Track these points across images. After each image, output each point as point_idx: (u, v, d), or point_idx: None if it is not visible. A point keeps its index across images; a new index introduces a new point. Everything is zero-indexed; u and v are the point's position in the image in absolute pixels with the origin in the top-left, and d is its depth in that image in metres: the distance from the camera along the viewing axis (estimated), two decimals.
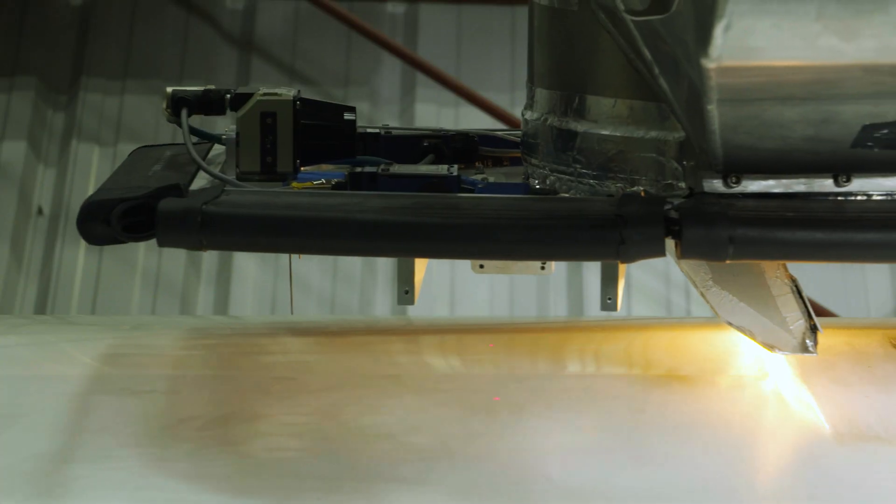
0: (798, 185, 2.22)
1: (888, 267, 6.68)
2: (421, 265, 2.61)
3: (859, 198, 2.24)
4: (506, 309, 6.85)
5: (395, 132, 2.70)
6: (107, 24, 7.18)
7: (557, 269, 6.99)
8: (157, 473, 2.17)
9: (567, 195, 2.42)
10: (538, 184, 2.47)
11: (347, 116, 2.60)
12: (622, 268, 2.64)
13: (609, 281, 2.63)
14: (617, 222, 2.13)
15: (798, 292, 2.36)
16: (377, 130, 2.69)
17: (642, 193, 2.31)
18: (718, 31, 1.83)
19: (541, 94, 2.48)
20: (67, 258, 6.71)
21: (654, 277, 6.90)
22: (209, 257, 6.62)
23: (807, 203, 2.22)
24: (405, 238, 2.19)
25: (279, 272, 6.74)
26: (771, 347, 2.38)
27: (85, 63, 7.10)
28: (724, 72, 1.93)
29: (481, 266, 2.49)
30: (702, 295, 2.35)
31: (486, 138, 2.73)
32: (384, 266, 6.89)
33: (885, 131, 2.12)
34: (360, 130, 2.68)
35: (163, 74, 7.06)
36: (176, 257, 6.69)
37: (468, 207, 2.25)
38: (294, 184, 2.47)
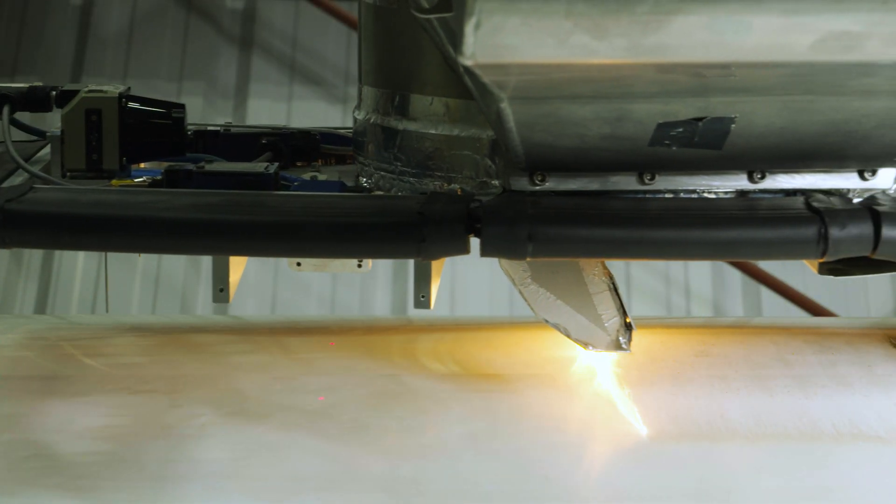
0: (604, 182, 2.21)
1: None
2: (238, 263, 2.59)
3: (667, 195, 2.23)
4: (506, 309, 6.86)
5: (234, 130, 2.70)
6: (107, 24, 7.18)
7: None
8: None
9: (380, 193, 2.40)
10: (366, 182, 2.45)
11: (176, 114, 2.59)
12: (437, 266, 2.60)
13: (422, 279, 2.59)
14: (419, 220, 2.11)
15: (615, 289, 2.35)
16: (217, 128, 2.70)
17: (459, 191, 2.31)
18: (469, 30, 1.79)
19: (367, 92, 2.47)
20: (67, 258, 6.71)
21: (654, 277, 6.90)
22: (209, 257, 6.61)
23: (609, 201, 2.20)
24: (207, 236, 2.17)
25: (279, 272, 6.75)
26: (585, 345, 2.37)
27: (85, 63, 7.10)
28: (487, 70, 1.90)
29: (298, 264, 2.47)
30: (520, 293, 2.33)
31: (328, 136, 2.72)
32: (384, 266, 6.89)
33: (681, 130, 2.10)
34: (200, 128, 2.68)
35: (163, 74, 7.06)
36: (176, 257, 6.69)
37: (274, 205, 2.23)
38: (113, 181, 2.46)
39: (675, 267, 6.89)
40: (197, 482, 2.18)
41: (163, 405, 2.36)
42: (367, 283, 6.88)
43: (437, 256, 2.17)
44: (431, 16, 1.92)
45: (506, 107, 2.03)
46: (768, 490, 2.17)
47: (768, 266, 6.53)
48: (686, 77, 1.95)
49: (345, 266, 2.46)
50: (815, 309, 6.42)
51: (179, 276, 6.73)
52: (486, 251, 2.11)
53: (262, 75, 7.15)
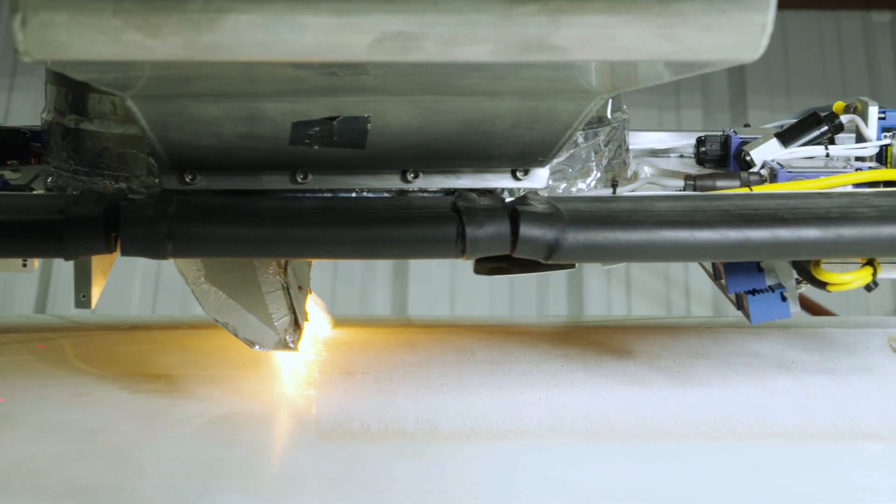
0: (256, 182, 2.18)
1: None
2: None
3: (327, 195, 2.20)
4: (506, 309, 6.86)
5: None
6: None
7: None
8: None
9: (39, 192, 2.38)
10: (49, 181, 2.43)
11: None
12: (99, 265, 2.58)
13: (82, 278, 2.56)
14: (59, 220, 2.06)
15: (287, 289, 2.33)
16: None
17: (126, 190, 2.29)
18: (17, 26, 1.75)
19: (50, 90, 2.44)
20: None
21: (654, 277, 6.91)
22: None
23: (257, 200, 2.16)
24: None
25: None
26: (252, 344, 2.36)
27: None
28: (58, 66, 1.87)
29: None
30: (192, 292, 2.32)
31: (39, 134, 2.67)
32: (384, 266, 6.89)
33: (317, 129, 2.08)
34: None
35: None
36: None
37: None
38: None
39: (676, 267, 6.89)
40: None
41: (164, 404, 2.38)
42: (366, 283, 6.88)
43: (78, 256, 2.13)
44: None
45: (132, 104, 2.00)
46: (768, 490, 2.17)
47: None
48: (306, 75, 1.92)
49: (9, 265, 2.42)
50: (815, 309, 6.42)
51: (179, 276, 6.73)
52: (125, 250, 2.06)
53: None
